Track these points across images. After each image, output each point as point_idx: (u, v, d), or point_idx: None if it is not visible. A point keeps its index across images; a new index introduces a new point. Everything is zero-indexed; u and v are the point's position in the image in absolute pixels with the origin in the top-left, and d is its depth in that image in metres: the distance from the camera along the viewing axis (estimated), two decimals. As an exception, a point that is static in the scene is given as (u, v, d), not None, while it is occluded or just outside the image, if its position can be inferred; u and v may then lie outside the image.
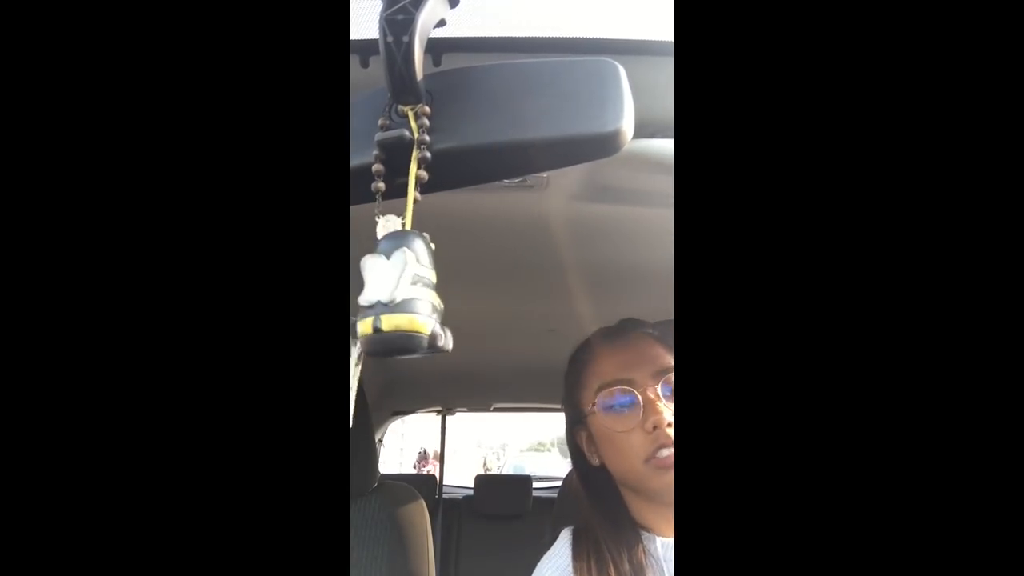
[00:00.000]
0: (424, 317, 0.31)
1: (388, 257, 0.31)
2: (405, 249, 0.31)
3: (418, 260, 0.32)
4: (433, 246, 0.33)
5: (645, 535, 0.69)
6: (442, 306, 0.32)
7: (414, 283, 0.31)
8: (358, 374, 0.33)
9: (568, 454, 0.79)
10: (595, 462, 0.72)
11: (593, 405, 0.69)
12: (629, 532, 0.69)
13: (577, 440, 0.75)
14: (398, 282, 0.31)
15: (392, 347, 0.31)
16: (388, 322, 0.30)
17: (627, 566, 0.66)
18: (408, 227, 0.34)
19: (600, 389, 0.69)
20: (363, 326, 0.31)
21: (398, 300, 0.30)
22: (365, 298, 0.31)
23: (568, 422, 0.76)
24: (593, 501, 0.72)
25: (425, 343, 0.31)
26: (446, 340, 0.32)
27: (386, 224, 0.34)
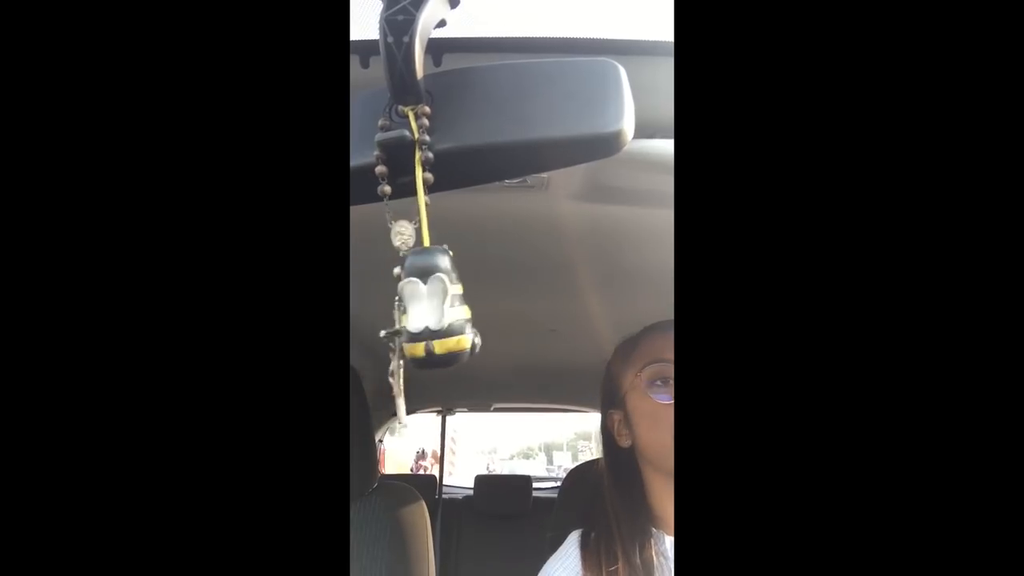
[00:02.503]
0: (467, 335, 0.34)
1: (424, 282, 0.34)
2: (440, 275, 0.34)
3: (450, 280, 0.34)
4: (452, 253, 0.35)
5: (657, 533, 0.70)
6: (470, 313, 0.35)
7: (452, 305, 0.34)
8: (402, 380, 0.36)
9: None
10: (625, 443, 0.75)
11: (637, 376, 0.72)
12: (643, 526, 0.70)
13: (609, 423, 0.77)
14: (443, 310, 0.33)
15: (441, 363, 0.34)
16: (441, 347, 0.33)
17: (638, 561, 0.67)
18: (425, 234, 0.35)
19: (645, 366, 0.72)
20: (414, 349, 0.34)
21: (446, 327, 0.33)
22: (414, 325, 0.34)
23: (603, 406, 0.79)
24: (615, 485, 0.74)
25: (468, 355, 0.34)
26: (478, 341, 0.35)
27: (400, 231, 0.35)
